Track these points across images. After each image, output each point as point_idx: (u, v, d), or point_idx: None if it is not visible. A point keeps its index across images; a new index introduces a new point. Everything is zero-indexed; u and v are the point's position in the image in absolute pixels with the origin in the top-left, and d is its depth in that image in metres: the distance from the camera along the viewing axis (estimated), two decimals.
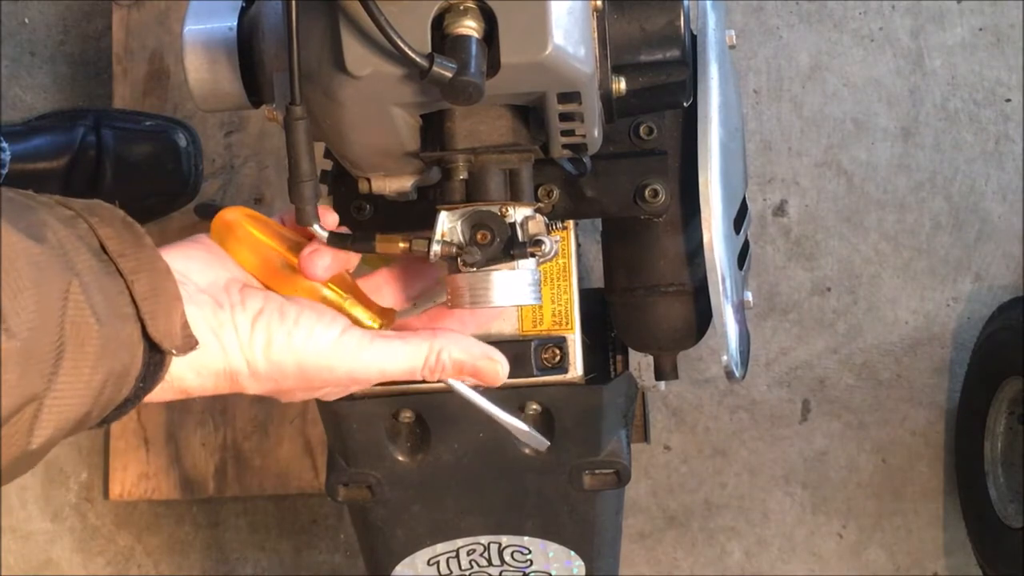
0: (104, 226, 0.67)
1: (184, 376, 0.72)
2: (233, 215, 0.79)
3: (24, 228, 0.61)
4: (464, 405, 0.84)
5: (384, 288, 0.88)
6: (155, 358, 0.68)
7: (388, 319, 0.82)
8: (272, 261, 0.79)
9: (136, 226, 0.69)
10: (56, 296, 0.61)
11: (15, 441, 0.61)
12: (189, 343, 0.70)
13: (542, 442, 0.88)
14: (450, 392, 0.83)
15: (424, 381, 0.80)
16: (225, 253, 0.78)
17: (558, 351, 1.02)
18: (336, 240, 0.79)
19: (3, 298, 0.58)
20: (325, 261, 0.78)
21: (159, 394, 0.71)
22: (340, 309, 0.79)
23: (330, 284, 0.80)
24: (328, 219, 0.81)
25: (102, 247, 0.67)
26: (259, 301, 0.74)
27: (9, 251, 0.59)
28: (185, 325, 0.70)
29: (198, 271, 0.75)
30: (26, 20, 1.78)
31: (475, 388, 0.84)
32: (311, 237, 0.80)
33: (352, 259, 0.81)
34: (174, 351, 0.69)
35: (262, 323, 0.74)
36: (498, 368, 0.80)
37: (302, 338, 0.74)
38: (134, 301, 0.67)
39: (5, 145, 1.56)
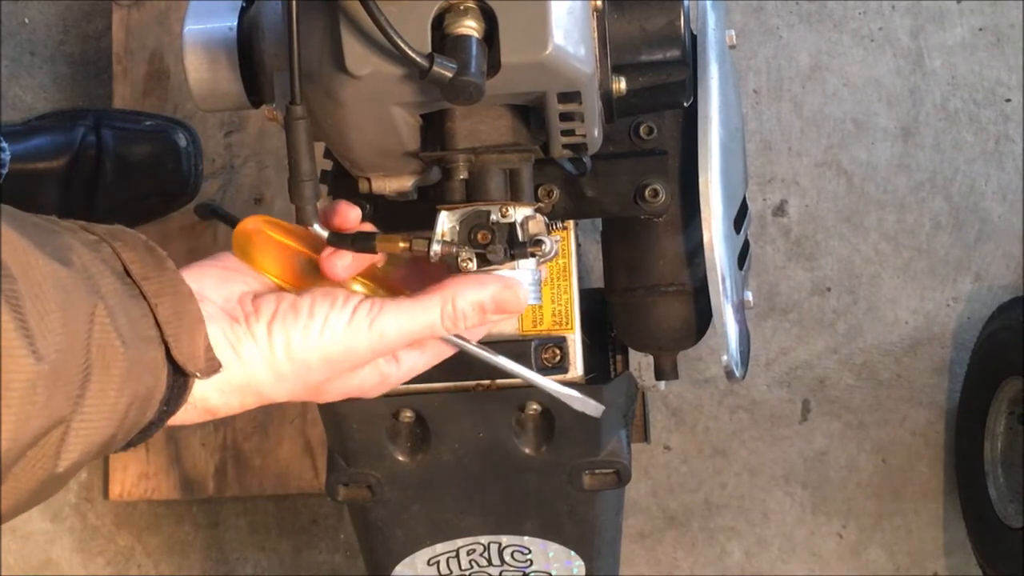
0: (127, 250, 0.68)
1: (208, 396, 0.72)
2: (253, 223, 0.79)
3: (50, 252, 0.61)
4: (465, 404, 0.84)
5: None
6: (179, 381, 0.69)
7: None
8: (297, 263, 0.79)
9: (158, 250, 0.69)
10: (82, 319, 0.62)
11: (42, 464, 0.61)
12: (213, 366, 0.70)
13: (597, 407, 0.85)
14: (450, 392, 0.83)
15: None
16: (239, 267, 0.78)
17: (558, 351, 1.02)
18: (336, 240, 0.79)
19: (31, 321, 0.58)
20: (345, 260, 0.78)
21: (185, 416, 0.71)
22: None
23: (359, 279, 0.80)
24: (351, 215, 0.81)
25: (126, 271, 0.67)
26: (272, 304, 0.74)
27: (36, 274, 0.59)
28: (208, 348, 0.70)
29: (212, 287, 0.75)
30: (26, 20, 1.78)
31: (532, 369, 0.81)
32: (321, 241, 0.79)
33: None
34: (198, 374, 0.69)
35: (278, 325, 0.73)
36: (518, 293, 0.78)
37: (318, 329, 0.74)
38: (158, 324, 0.67)
39: (5, 145, 1.56)
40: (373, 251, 0.79)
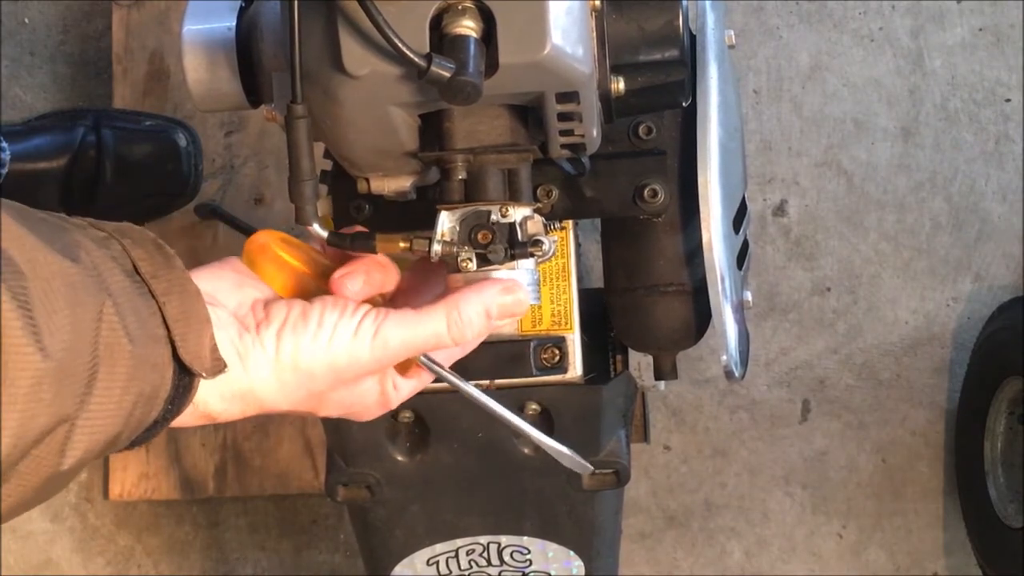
0: (136, 247, 0.68)
1: (208, 400, 0.72)
2: (265, 238, 0.79)
3: (59, 248, 0.61)
4: (464, 404, 0.84)
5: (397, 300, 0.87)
6: (184, 380, 0.69)
7: None
8: (302, 285, 0.79)
9: (167, 248, 0.69)
10: (91, 316, 0.61)
11: (47, 462, 0.61)
12: (218, 366, 0.70)
13: (586, 467, 0.86)
14: (449, 392, 0.83)
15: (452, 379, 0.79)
16: (252, 274, 0.78)
17: (557, 351, 1.02)
18: (336, 240, 0.79)
19: (39, 318, 0.58)
20: (356, 285, 0.78)
21: (185, 419, 0.71)
22: None
23: None
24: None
25: (135, 268, 0.67)
26: (283, 311, 0.74)
27: (44, 271, 0.59)
28: (214, 348, 0.70)
29: (227, 291, 0.75)
30: (26, 20, 1.78)
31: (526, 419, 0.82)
32: (342, 262, 0.79)
33: (387, 283, 0.81)
34: (204, 373, 0.69)
35: (288, 333, 0.73)
36: (520, 296, 0.79)
37: (326, 338, 0.74)
38: (165, 323, 0.67)
39: (5, 145, 1.56)
40: (373, 251, 0.79)
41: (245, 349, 0.72)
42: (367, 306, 0.76)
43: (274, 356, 0.73)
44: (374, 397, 0.80)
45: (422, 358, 0.79)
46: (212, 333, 0.70)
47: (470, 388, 0.80)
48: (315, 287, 0.79)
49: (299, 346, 0.73)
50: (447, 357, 0.82)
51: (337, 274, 0.78)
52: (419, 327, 0.76)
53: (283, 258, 0.78)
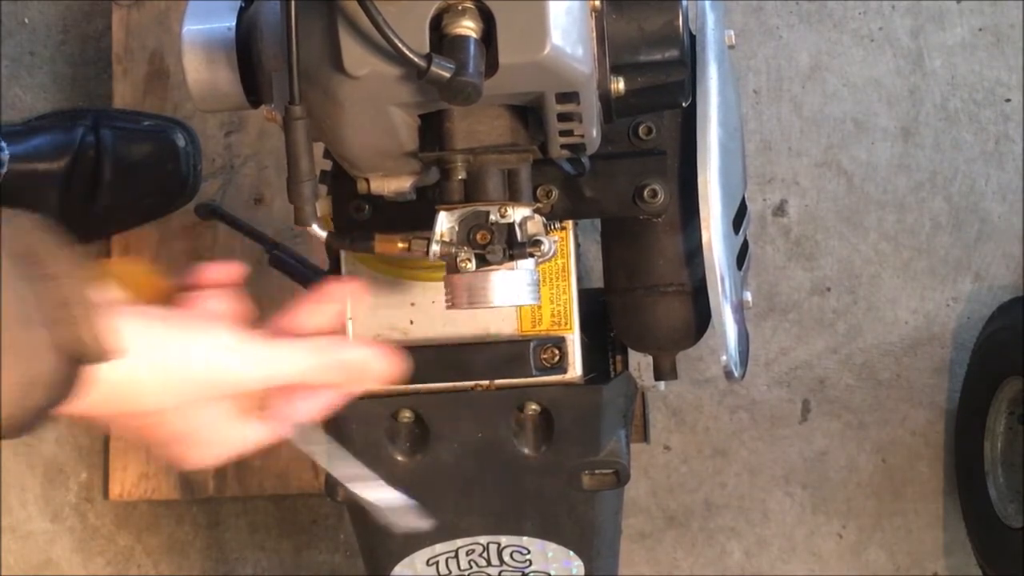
0: (22, 232, 0.66)
1: (121, 382, 0.70)
2: (118, 267, 0.78)
3: None
4: (463, 404, 0.84)
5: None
6: (70, 368, 0.67)
7: None
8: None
9: (55, 233, 0.68)
10: None
11: None
12: (104, 352, 0.68)
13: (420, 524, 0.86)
14: (449, 393, 0.83)
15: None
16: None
17: (557, 351, 1.02)
18: (335, 239, 0.79)
19: None
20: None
21: (83, 406, 0.69)
22: None
23: None
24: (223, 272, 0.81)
25: (18, 253, 0.65)
26: (160, 311, 0.74)
27: None
28: (103, 333, 0.67)
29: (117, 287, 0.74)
30: (26, 20, 1.78)
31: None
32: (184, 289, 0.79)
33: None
34: (87, 359, 0.67)
35: (160, 330, 0.73)
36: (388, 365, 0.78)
37: (194, 338, 0.73)
38: (46, 307, 0.65)
39: (4, 145, 1.56)
40: (371, 251, 0.79)
41: (135, 336, 0.70)
42: (235, 327, 0.75)
43: (153, 346, 0.71)
44: (218, 427, 0.79)
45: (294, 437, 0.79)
46: (103, 319, 0.67)
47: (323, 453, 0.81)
48: None
49: (172, 342, 0.72)
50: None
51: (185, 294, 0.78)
52: (283, 355, 0.75)
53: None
